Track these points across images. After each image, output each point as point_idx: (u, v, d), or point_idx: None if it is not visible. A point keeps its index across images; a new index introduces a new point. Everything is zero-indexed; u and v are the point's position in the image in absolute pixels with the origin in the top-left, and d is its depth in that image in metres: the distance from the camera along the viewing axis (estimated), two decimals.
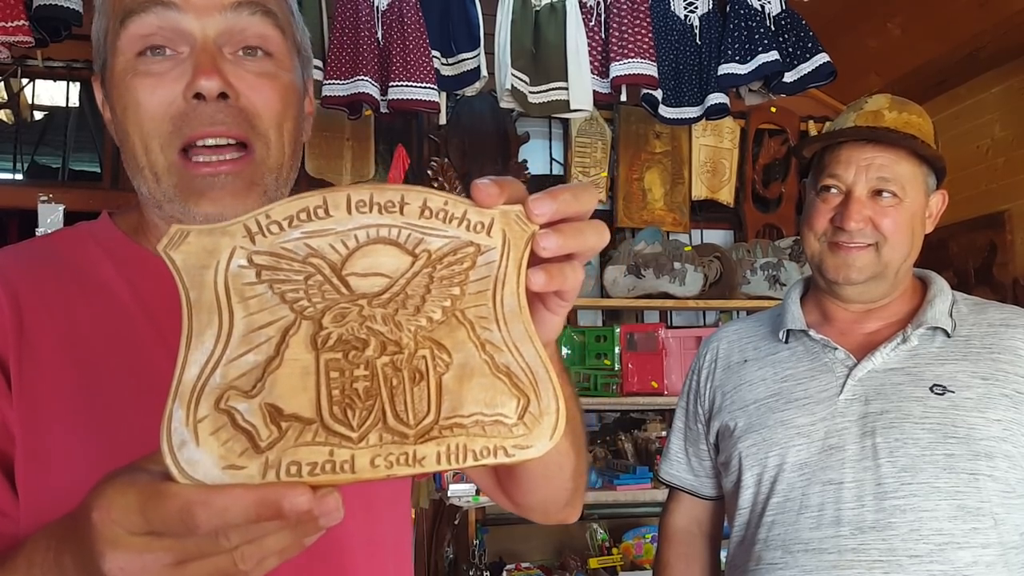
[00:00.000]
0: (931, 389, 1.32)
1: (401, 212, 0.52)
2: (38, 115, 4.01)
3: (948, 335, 1.36)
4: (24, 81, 3.54)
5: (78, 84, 3.60)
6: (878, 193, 1.38)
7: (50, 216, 3.27)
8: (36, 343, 0.77)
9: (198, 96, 0.76)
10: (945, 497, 1.25)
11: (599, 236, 0.55)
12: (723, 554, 1.61)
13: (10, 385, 0.75)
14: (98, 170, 3.80)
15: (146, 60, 0.78)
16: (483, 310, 0.53)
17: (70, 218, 3.25)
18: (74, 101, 3.73)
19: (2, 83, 3.50)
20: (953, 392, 1.30)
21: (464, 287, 0.53)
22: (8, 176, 3.83)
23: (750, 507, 1.42)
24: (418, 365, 0.51)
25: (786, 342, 1.47)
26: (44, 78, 3.57)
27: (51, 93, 3.73)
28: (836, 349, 1.41)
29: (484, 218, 0.53)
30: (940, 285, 1.44)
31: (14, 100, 3.64)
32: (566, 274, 0.54)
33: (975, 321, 1.39)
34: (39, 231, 3.21)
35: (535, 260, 0.54)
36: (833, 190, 1.41)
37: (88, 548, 0.50)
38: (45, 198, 3.24)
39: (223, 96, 0.77)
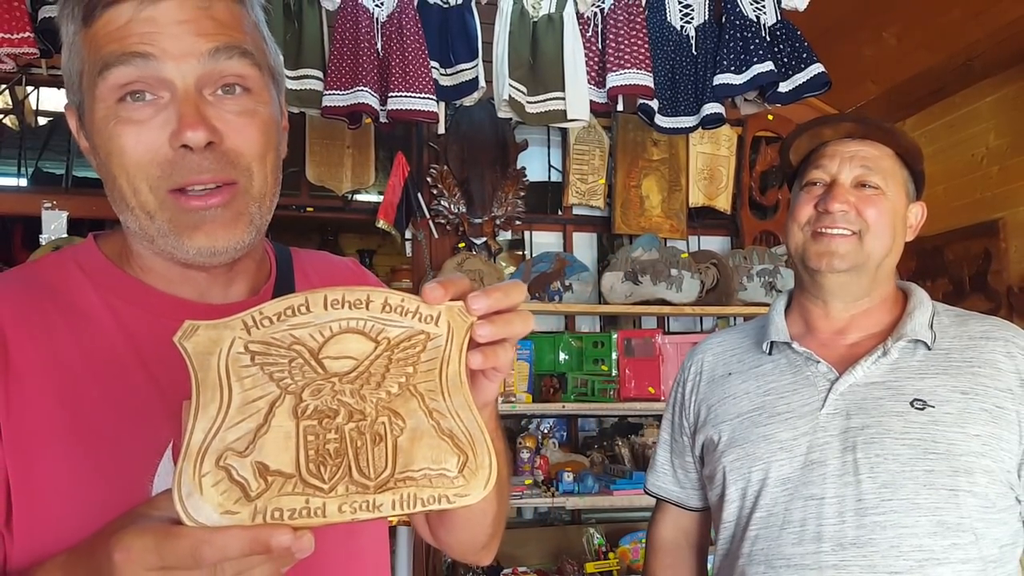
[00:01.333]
0: (911, 404, 1.31)
1: (367, 308, 0.66)
2: (42, 120, 4.05)
3: (928, 348, 1.35)
4: (29, 89, 3.57)
5: None
6: (862, 185, 1.39)
7: (54, 223, 3.30)
8: (22, 375, 0.79)
9: (185, 145, 0.79)
10: (925, 513, 1.24)
11: (525, 325, 0.69)
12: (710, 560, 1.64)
13: None
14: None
15: (127, 106, 0.79)
16: (431, 384, 0.66)
17: (73, 225, 3.29)
18: None
19: (6, 91, 3.53)
20: (933, 407, 1.30)
21: (416, 366, 0.66)
22: (12, 182, 3.86)
23: (734, 521, 1.41)
24: (378, 429, 0.64)
25: (770, 354, 1.47)
26: (48, 86, 3.61)
27: (56, 100, 3.76)
28: (818, 362, 1.40)
29: (433, 311, 0.67)
30: (920, 297, 1.43)
31: (18, 107, 3.68)
32: (499, 354, 0.68)
33: (956, 333, 1.37)
34: (43, 238, 3.25)
35: (474, 344, 0.67)
36: (817, 183, 1.42)
37: None
38: (49, 205, 3.27)
39: (208, 143, 0.80)
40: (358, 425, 0.63)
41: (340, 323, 0.65)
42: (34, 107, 3.79)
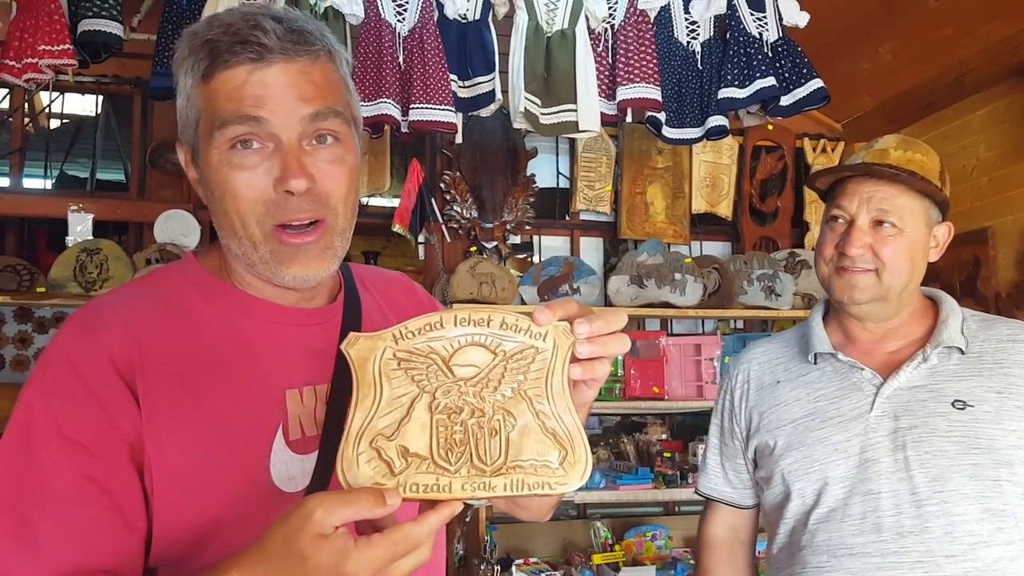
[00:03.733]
0: (953, 404, 1.44)
1: (488, 325, 0.81)
2: (55, 123, 4.15)
3: (963, 352, 1.48)
4: (55, 95, 3.68)
5: (100, 97, 3.74)
6: (879, 224, 1.48)
7: (80, 225, 3.41)
8: (153, 371, 0.93)
9: (288, 191, 0.94)
10: (973, 502, 1.38)
11: (621, 346, 0.83)
12: None
13: (139, 408, 0.91)
14: (123, 179, 3.95)
15: (238, 153, 0.94)
16: (539, 390, 0.80)
17: (99, 227, 3.40)
18: (99, 112, 3.88)
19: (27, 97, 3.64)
20: (972, 406, 1.43)
21: (527, 375, 0.80)
22: (38, 185, 3.96)
23: (795, 517, 1.53)
24: (494, 425, 0.78)
25: (815, 363, 1.58)
26: (73, 91, 3.72)
27: (81, 105, 3.87)
28: (863, 369, 1.52)
29: (542, 330, 0.81)
30: (951, 305, 1.54)
31: (32, 111, 3.79)
32: (596, 368, 0.82)
33: (985, 337, 1.50)
34: (69, 240, 3.35)
35: (576, 358, 0.81)
36: (839, 220, 1.52)
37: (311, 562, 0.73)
38: (76, 208, 3.38)
39: (306, 188, 0.95)
40: (478, 420, 0.78)
41: (466, 337, 0.80)
42: (47, 110, 3.91)
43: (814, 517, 1.49)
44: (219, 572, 0.77)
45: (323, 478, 0.96)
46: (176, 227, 3.41)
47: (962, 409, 1.43)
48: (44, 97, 3.80)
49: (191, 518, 0.90)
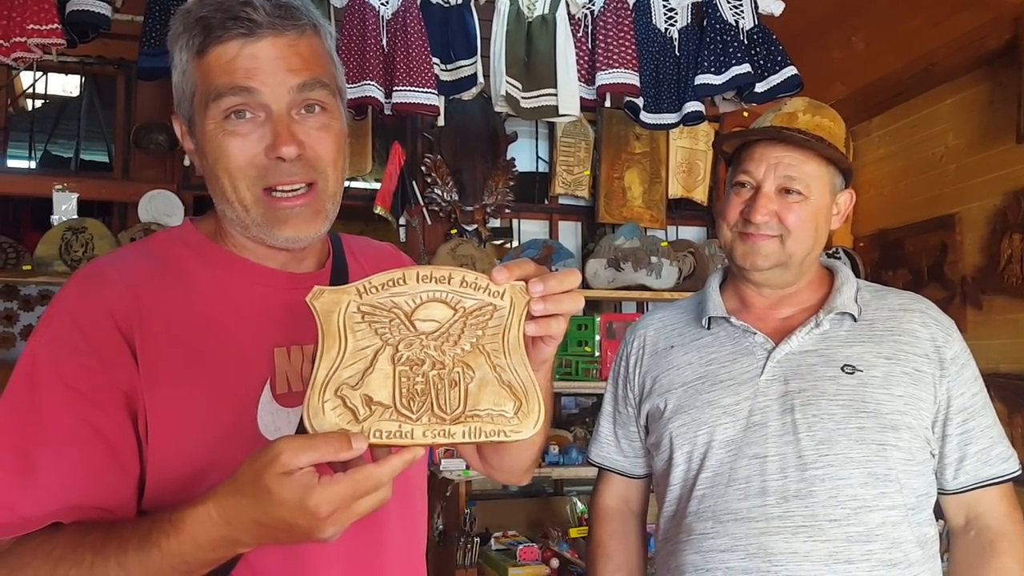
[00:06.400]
0: (842, 369, 1.43)
1: (448, 283, 0.86)
2: (38, 103, 4.16)
3: (855, 319, 1.48)
4: (38, 75, 3.69)
5: (82, 78, 3.74)
6: (785, 191, 1.46)
7: (64, 204, 3.42)
8: (150, 326, 1.00)
9: (279, 157, 1.00)
10: (858, 466, 1.37)
11: (574, 304, 0.88)
12: None
13: (136, 360, 0.98)
14: (107, 160, 3.97)
15: (232, 122, 1.00)
16: (496, 345, 0.84)
17: (83, 206, 3.43)
18: (82, 92, 3.89)
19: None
20: (862, 371, 1.43)
21: (485, 330, 0.85)
22: (23, 165, 3.98)
23: (681, 483, 1.51)
24: (454, 377, 0.82)
25: (708, 328, 1.57)
26: (57, 72, 3.73)
27: (64, 84, 3.88)
28: (755, 334, 1.51)
29: (499, 288, 0.86)
30: (846, 274, 1.55)
31: (12, 91, 3.79)
32: (551, 325, 0.88)
33: (877, 306, 1.51)
34: (54, 218, 3.38)
35: (532, 316, 0.86)
36: (746, 185, 1.50)
37: (273, 503, 0.78)
38: (60, 187, 3.40)
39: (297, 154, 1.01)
40: (439, 372, 0.82)
41: (428, 293, 0.85)
42: (32, 89, 3.91)
43: (700, 482, 1.47)
44: (198, 503, 0.83)
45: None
46: (160, 206, 3.45)
47: (851, 374, 1.43)
48: (25, 77, 3.81)
49: (182, 464, 0.97)
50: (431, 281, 0.85)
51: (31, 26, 2.51)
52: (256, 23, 0.99)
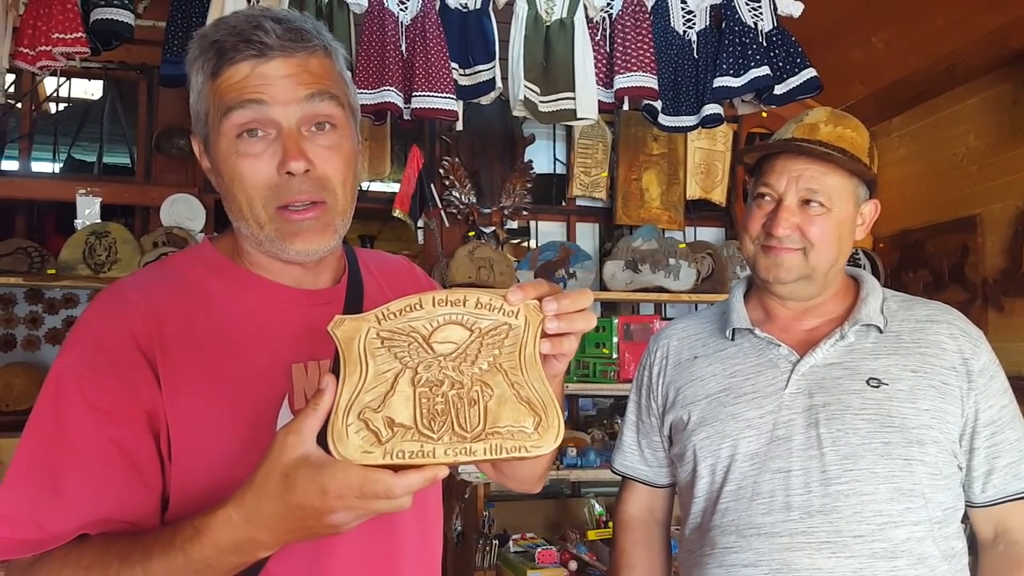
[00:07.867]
0: (867, 382, 1.42)
1: (464, 305, 0.87)
2: (58, 106, 4.20)
3: (880, 331, 1.46)
4: (61, 80, 3.74)
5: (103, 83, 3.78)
6: (807, 203, 1.44)
7: (88, 208, 3.47)
8: (171, 347, 1.03)
9: (289, 172, 1.02)
10: (883, 481, 1.36)
11: (586, 323, 0.89)
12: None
13: (158, 381, 1.01)
14: (129, 163, 4.01)
15: (244, 142, 1.02)
16: (513, 363, 0.86)
17: (105, 210, 3.47)
18: (104, 97, 3.94)
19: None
20: (887, 384, 1.41)
21: (501, 349, 0.86)
22: (47, 168, 4.02)
23: (705, 495, 1.49)
24: (473, 395, 0.84)
25: (732, 339, 1.55)
26: (79, 77, 3.77)
27: (87, 89, 3.92)
28: (780, 346, 1.49)
29: (514, 308, 0.88)
30: (872, 284, 1.52)
31: (36, 97, 3.84)
32: (564, 344, 0.89)
33: (904, 317, 1.48)
34: (78, 223, 3.42)
35: (546, 334, 0.88)
36: (767, 198, 1.48)
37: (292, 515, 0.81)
38: (84, 191, 3.45)
39: (305, 170, 1.03)
40: (458, 392, 0.83)
41: (444, 316, 0.87)
42: (55, 94, 3.96)
43: (724, 495, 1.45)
44: (218, 507, 0.86)
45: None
46: (182, 211, 3.49)
47: (876, 387, 1.41)
48: (48, 82, 3.85)
49: (204, 480, 1.00)
50: (447, 304, 0.87)
51: (56, 35, 2.55)
52: (267, 46, 1.01)
